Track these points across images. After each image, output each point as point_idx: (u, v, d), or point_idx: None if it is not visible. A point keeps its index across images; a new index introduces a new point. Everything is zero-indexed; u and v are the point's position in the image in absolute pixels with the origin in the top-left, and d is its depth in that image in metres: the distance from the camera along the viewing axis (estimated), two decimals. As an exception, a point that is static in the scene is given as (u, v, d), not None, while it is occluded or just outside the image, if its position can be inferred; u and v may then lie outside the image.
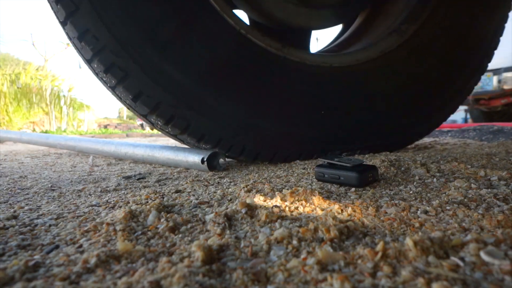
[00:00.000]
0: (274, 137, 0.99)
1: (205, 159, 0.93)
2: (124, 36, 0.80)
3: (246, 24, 0.96)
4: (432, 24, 1.13)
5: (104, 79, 0.85)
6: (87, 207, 0.59)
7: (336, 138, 1.09)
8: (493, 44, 1.26)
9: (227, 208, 0.52)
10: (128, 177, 0.89)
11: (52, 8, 0.81)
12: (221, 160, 0.98)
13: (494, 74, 5.17)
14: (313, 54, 1.07)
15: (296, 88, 1.00)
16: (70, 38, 0.82)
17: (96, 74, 0.86)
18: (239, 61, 0.93)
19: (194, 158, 0.96)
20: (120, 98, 0.89)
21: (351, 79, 1.07)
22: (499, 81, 5.15)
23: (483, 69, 1.27)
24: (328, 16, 1.11)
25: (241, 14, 1.22)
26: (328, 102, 1.04)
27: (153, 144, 1.20)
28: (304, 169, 0.88)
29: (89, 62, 0.83)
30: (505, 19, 1.26)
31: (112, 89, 0.86)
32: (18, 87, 6.90)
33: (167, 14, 0.83)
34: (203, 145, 0.96)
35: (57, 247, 0.40)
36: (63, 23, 0.80)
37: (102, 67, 0.82)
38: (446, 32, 1.15)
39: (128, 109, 0.92)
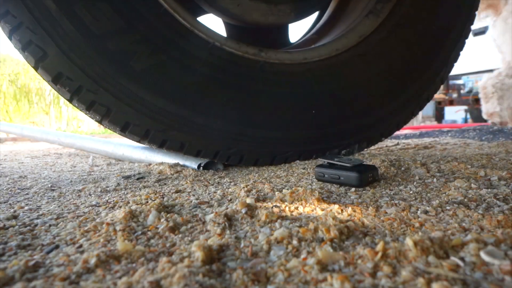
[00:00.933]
0: (270, 142, 0.98)
1: (201, 165, 0.96)
2: (98, 74, 0.80)
3: (220, 35, 0.94)
4: (406, 1, 1.08)
5: (89, 115, 0.86)
6: (87, 207, 0.59)
7: (332, 136, 1.07)
8: (464, 33, 1.21)
9: (227, 208, 0.53)
10: (128, 177, 0.89)
11: (21, 54, 0.80)
12: (219, 166, 0.99)
13: (494, 74, 5.17)
14: (292, 51, 1.04)
15: (282, 91, 0.99)
16: (46, 81, 0.82)
17: (81, 111, 0.86)
18: (219, 75, 0.91)
19: (192, 164, 0.98)
20: (110, 128, 0.89)
21: (334, 71, 1.04)
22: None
23: (466, 35, 1.23)
24: (288, 11, 1.06)
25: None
26: (316, 100, 1.02)
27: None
28: (304, 169, 0.88)
29: (70, 101, 0.83)
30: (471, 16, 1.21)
31: (99, 122, 0.86)
32: (17, 87, 6.90)
33: (137, 43, 0.82)
34: (201, 158, 0.97)
35: (57, 247, 0.40)
36: (35, 68, 0.79)
37: (83, 105, 0.82)
38: (420, 10, 1.10)
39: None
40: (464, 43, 1.23)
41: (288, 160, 1.03)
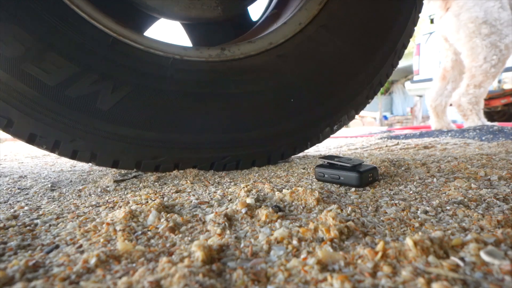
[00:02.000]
0: (250, 144, 0.95)
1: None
2: (69, 124, 0.78)
3: (178, 46, 0.89)
4: None
5: (77, 161, 0.85)
6: (87, 207, 0.59)
7: (311, 127, 1.01)
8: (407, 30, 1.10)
9: (227, 208, 0.52)
10: (124, 175, 0.89)
11: None
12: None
13: (494, 74, 5.17)
14: (255, 40, 0.95)
15: (259, 87, 0.92)
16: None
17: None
18: (192, 89, 0.87)
19: None
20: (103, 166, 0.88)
21: (304, 49, 0.96)
22: (499, 81, 5.15)
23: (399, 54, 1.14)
24: (214, 5, 0.96)
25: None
26: (290, 90, 0.96)
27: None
28: (304, 169, 0.88)
29: (52, 152, 0.81)
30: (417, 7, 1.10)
31: (90, 163, 0.86)
32: None
33: (99, 82, 0.79)
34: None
35: (57, 247, 0.41)
36: (5, 132, 0.78)
37: (67, 155, 0.81)
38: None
39: None
40: (412, 30, 1.15)
41: (271, 160, 1.00)
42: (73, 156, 0.82)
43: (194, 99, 0.87)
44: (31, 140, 0.78)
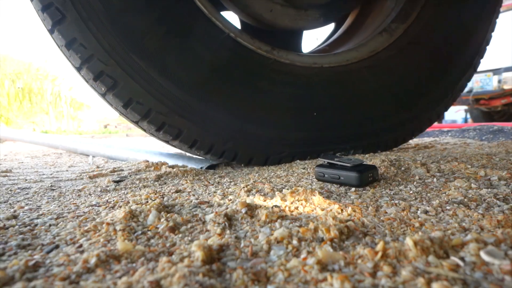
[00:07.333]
0: (266, 141, 0.99)
1: (203, 168, 0.97)
2: (111, 45, 0.81)
3: (235, 27, 0.95)
4: (421, 23, 1.13)
5: (94, 86, 0.86)
6: (87, 207, 0.59)
7: (329, 139, 1.09)
8: (485, 40, 1.26)
9: (227, 208, 0.52)
10: (123, 176, 0.89)
11: (39, 16, 0.81)
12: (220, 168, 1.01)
13: (494, 74, 5.17)
14: (303, 55, 1.06)
15: (287, 91, 1.00)
16: (58, 46, 0.83)
17: (86, 81, 0.86)
18: (229, 66, 0.92)
19: (193, 166, 0.99)
20: (111, 105, 0.89)
21: (341, 79, 1.07)
22: (499, 81, 5.15)
23: (475, 66, 1.29)
24: (317, 16, 1.11)
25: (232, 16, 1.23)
26: (319, 103, 1.04)
27: (154, 150, 1.23)
28: (304, 169, 0.88)
29: (78, 70, 0.84)
30: (495, 14, 1.26)
31: (103, 96, 0.87)
32: (18, 87, 6.91)
33: (153, 23, 0.83)
34: (196, 152, 0.96)
35: (57, 247, 0.41)
36: (51, 31, 0.80)
37: (91, 74, 0.83)
38: (435, 30, 1.15)
39: (120, 115, 0.92)
40: (471, 74, 1.30)
41: (282, 161, 1.03)
42: (96, 77, 0.84)
43: (226, 77, 0.94)
44: (70, 43, 0.81)
